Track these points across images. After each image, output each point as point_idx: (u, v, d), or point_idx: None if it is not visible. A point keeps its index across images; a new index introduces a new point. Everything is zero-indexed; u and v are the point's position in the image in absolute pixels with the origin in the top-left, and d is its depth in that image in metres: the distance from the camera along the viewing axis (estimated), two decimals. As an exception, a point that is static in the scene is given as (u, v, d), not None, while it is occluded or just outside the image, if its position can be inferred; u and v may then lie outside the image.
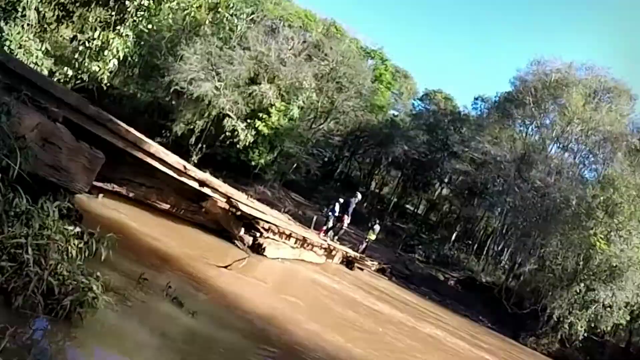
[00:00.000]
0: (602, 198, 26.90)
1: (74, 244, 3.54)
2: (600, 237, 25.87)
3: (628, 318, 27.88)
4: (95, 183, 7.28)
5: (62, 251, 3.35)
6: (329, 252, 17.02)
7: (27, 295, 2.93)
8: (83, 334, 3.12)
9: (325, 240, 17.61)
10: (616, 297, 26.26)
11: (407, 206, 48.54)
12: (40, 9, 10.32)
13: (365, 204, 40.47)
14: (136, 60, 34.44)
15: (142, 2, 10.83)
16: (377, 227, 27.58)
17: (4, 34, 9.25)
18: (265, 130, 32.45)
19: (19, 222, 3.22)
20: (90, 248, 3.75)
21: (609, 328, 28.27)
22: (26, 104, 4.36)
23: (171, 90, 32.68)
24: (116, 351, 3.28)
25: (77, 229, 3.86)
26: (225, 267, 7.14)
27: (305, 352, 5.35)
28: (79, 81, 13.31)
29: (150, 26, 12.91)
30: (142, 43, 34.50)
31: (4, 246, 2.96)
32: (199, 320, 4.45)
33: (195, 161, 28.95)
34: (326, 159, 43.30)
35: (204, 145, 33.87)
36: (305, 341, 5.72)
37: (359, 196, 23.12)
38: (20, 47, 9.56)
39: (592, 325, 27.51)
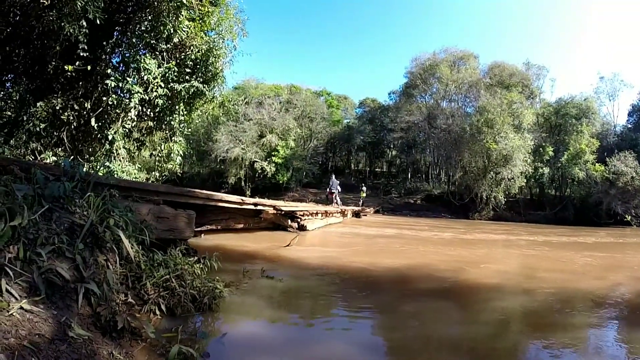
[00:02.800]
0: (482, 119, 26.89)
1: (197, 266, 3.53)
2: (491, 142, 25.82)
3: (525, 181, 27.91)
4: (196, 229, 7.28)
5: (192, 273, 3.35)
6: (343, 213, 16.98)
7: (182, 305, 2.94)
8: (222, 314, 3.12)
9: (338, 207, 17.61)
10: (513, 172, 26.30)
11: (377, 169, 48.39)
12: (126, 147, 10.31)
13: (352, 179, 40.43)
14: (191, 152, 34.66)
15: (181, 119, 10.82)
16: (364, 188, 27.62)
17: (111, 168, 9.24)
18: (279, 161, 32.78)
19: (161, 266, 3.22)
20: (207, 265, 3.75)
21: (516, 190, 28.28)
22: (138, 202, 4.35)
23: (218, 160, 32.85)
24: (244, 314, 3.28)
25: (195, 258, 3.86)
26: (287, 245, 7.12)
27: (353, 273, 5.33)
28: (163, 177, 13.31)
29: (189, 130, 12.87)
30: (191, 141, 34.68)
31: (158, 283, 2.96)
32: (286, 282, 4.44)
33: (249, 193, 29.07)
34: (320, 162, 43.17)
35: (250, 183, 34.00)
36: (350, 267, 5.69)
37: (333, 176, 22.98)
38: (122, 172, 9.55)
39: (507, 193, 27.59)
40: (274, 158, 32.78)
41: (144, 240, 3.39)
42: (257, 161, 32.75)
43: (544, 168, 28.53)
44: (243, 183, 33.53)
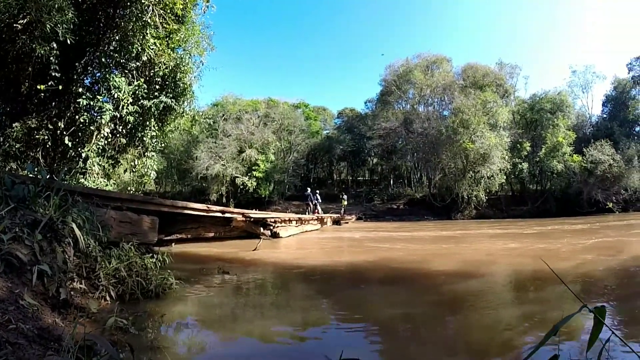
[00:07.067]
0: (457, 120, 27.69)
1: (149, 261, 3.94)
2: (467, 142, 26.64)
3: (505, 178, 28.71)
4: (166, 238, 7.66)
5: (144, 266, 3.77)
6: (321, 221, 17.39)
7: (130, 293, 3.38)
8: (168, 301, 3.56)
9: (317, 215, 18.11)
10: (492, 170, 27.06)
11: (359, 178, 48.94)
12: (101, 164, 10.60)
13: (335, 189, 40.91)
14: (172, 171, 35.02)
15: (153, 135, 11.26)
16: (345, 197, 28.03)
17: (85, 184, 9.54)
18: (260, 175, 33.16)
19: (115, 259, 3.63)
20: (160, 260, 4.14)
21: (497, 188, 29.06)
22: (100, 207, 4.75)
23: (199, 177, 33.16)
24: (188, 302, 3.68)
25: (150, 254, 4.28)
26: (254, 250, 7.51)
27: (307, 269, 5.73)
28: (141, 193, 13.57)
29: (167, 148, 13.26)
30: (171, 160, 35.09)
31: (109, 273, 3.38)
32: (239, 277, 4.84)
33: (232, 208, 29.29)
34: (302, 175, 43.51)
35: (232, 199, 34.26)
36: (307, 265, 6.08)
37: (309, 189, 23.80)
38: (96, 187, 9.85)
39: (487, 191, 28.28)
40: (254, 172, 33.12)
41: (102, 238, 3.82)
42: (238, 177, 33.07)
43: (522, 164, 29.45)
44: (225, 199, 33.74)
